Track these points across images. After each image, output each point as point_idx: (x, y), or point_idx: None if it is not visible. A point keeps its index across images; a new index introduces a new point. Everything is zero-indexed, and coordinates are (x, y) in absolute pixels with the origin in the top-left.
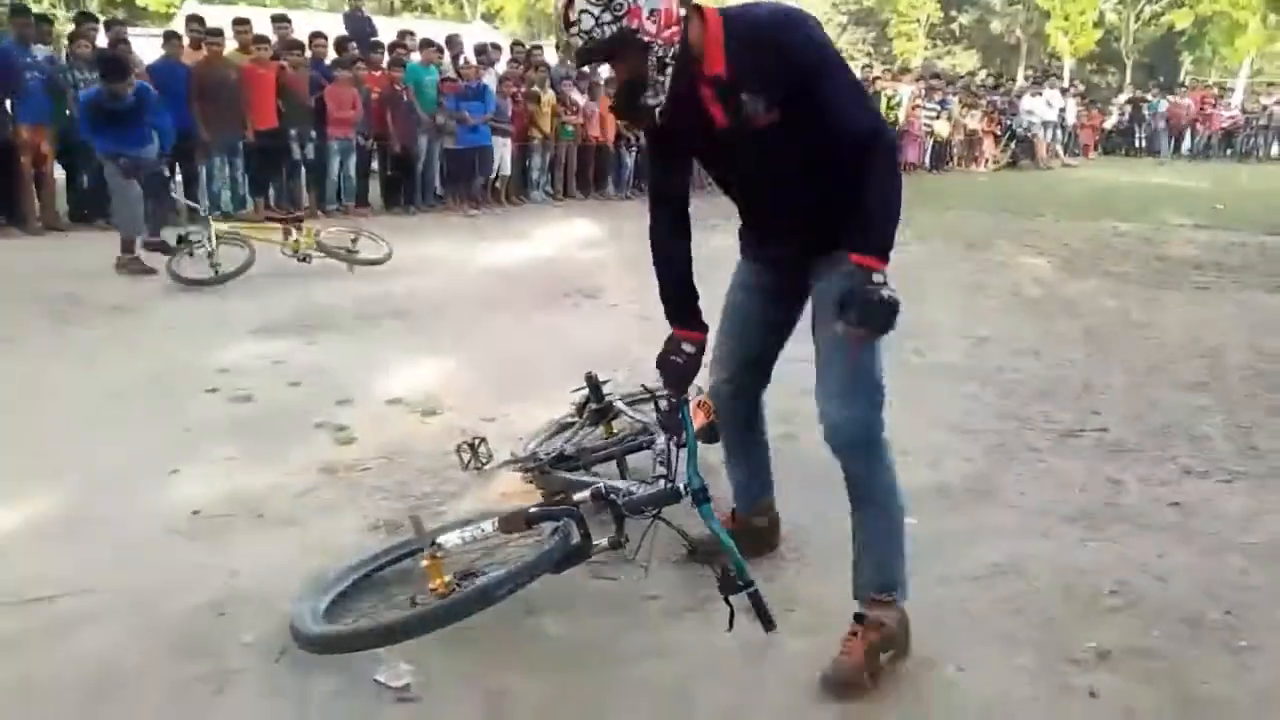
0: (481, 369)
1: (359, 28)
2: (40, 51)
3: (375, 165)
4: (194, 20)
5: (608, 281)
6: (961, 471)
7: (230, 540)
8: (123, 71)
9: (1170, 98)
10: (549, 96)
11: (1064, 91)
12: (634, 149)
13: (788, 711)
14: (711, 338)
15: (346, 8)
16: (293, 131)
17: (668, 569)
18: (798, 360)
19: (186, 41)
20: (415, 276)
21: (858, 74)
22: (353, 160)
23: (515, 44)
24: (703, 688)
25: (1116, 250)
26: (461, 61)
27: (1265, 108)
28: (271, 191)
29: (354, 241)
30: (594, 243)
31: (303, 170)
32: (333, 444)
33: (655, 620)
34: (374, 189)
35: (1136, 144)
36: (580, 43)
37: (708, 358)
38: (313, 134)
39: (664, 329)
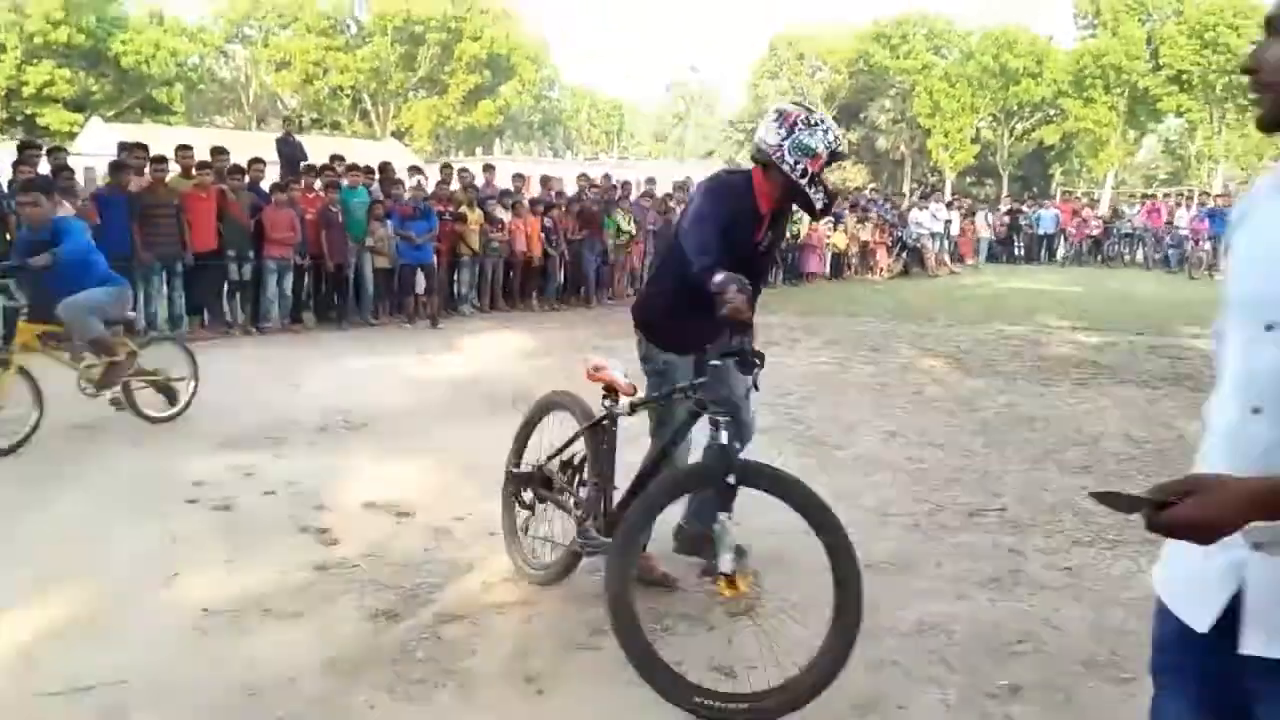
0: (445, 472)
1: (291, 152)
2: None
3: (308, 283)
4: (137, 147)
5: (548, 390)
6: (885, 549)
7: (243, 633)
8: (31, 189)
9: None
10: (476, 215)
11: (949, 205)
12: (561, 264)
13: None
14: None
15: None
16: (231, 252)
17: None
18: None
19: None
20: (364, 389)
21: None
22: (289, 279)
23: (444, 165)
24: None
25: (1005, 351)
26: (413, 183)
27: (1125, 217)
28: (205, 312)
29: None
30: (529, 354)
31: (238, 290)
32: (318, 545)
33: None
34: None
35: (1015, 252)
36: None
37: None
38: (250, 254)
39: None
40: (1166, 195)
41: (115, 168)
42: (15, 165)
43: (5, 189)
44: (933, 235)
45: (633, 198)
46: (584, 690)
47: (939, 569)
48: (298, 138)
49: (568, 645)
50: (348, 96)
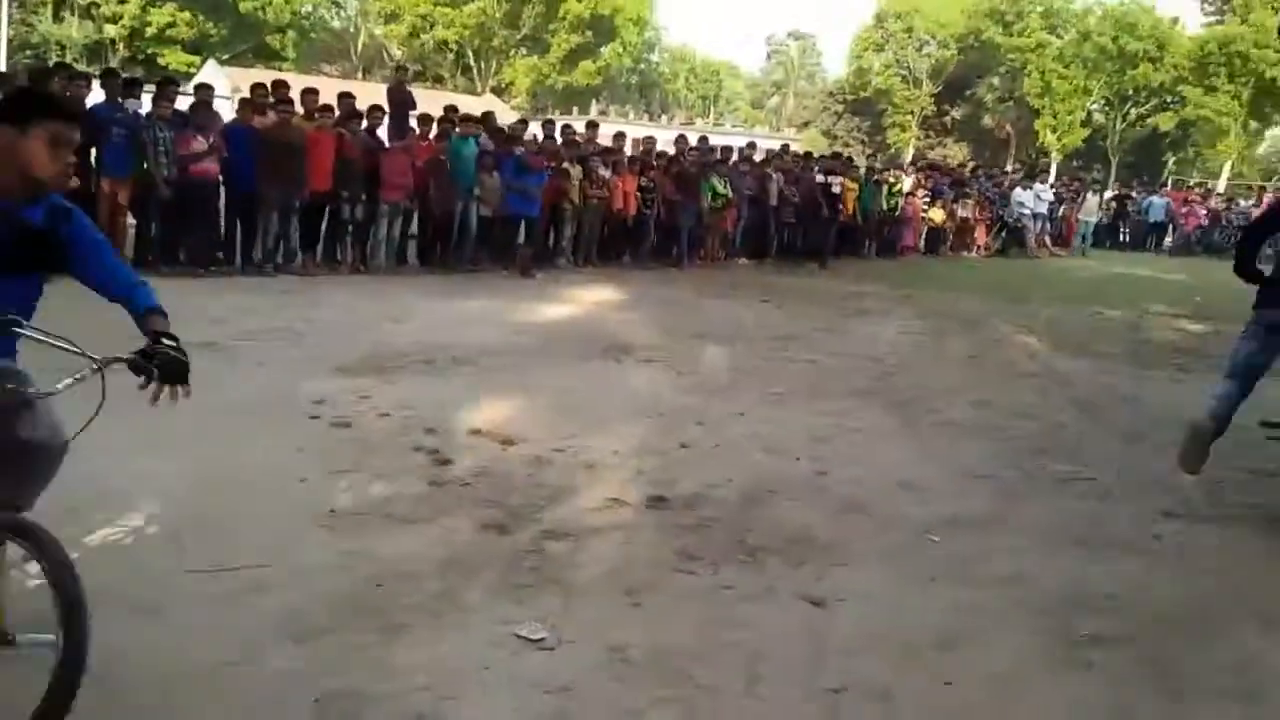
0: (543, 408)
1: (402, 101)
2: (131, 106)
3: (415, 229)
4: (264, 87)
5: (638, 341)
6: (972, 507)
7: (368, 533)
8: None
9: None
10: (577, 171)
11: (1054, 187)
12: (655, 224)
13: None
14: None
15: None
16: (344, 194)
17: None
18: None
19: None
20: (467, 329)
21: (859, 162)
22: (399, 222)
23: (547, 122)
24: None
25: (1104, 334)
26: (529, 137)
27: (1241, 208)
28: (318, 248)
29: None
30: (621, 307)
31: (349, 230)
32: (432, 464)
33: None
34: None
35: (1121, 239)
36: None
37: None
38: (363, 197)
39: (695, 385)
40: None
41: (245, 104)
42: (155, 100)
43: (145, 120)
44: (1035, 216)
45: (730, 163)
46: (677, 606)
47: (1028, 529)
48: (409, 88)
49: (662, 567)
50: (452, 51)
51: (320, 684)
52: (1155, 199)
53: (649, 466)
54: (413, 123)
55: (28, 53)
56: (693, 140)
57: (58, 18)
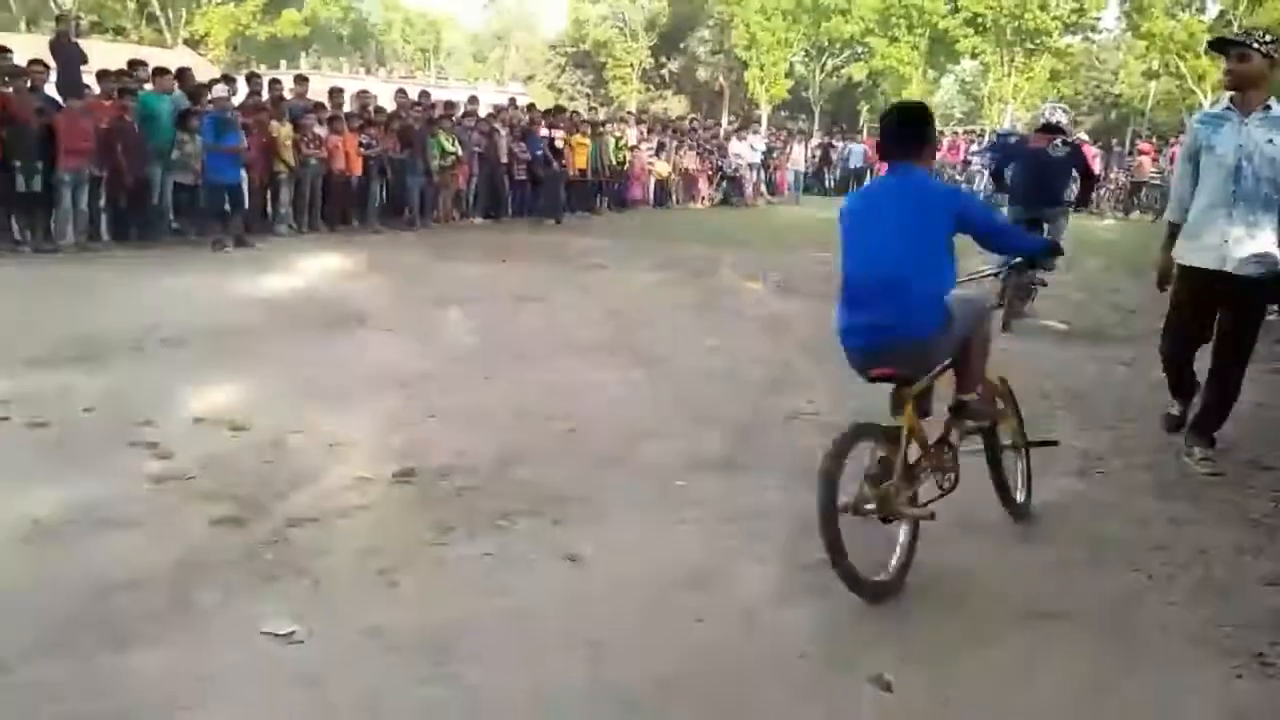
0: (278, 387)
1: (69, 56)
2: None
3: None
4: None
5: (373, 310)
6: (714, 450)
7: (81, 543)
8: None
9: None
10: (286, 129)
11: (765, 138)
12: (380, 184)
13: None
14: None
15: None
16: (17, 162)
17: None
18: None
19: None
20: (177, 308)
21: (580, 115)
22: (84, 193)
23: (251, 75)
24: None
25: (817, 278)
26: (221, 93)
27: None
28: None
29: None
30: (352, 275)
31: (26, 203)
32: (151, 458)
33: None
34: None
35: (826, 185)
36: None
37: None
38: (38, 165)
39: (437, 352)
40: (966, 133)
41: None
42: None
43: None
44: (750, 166)
45: (455, 119)
46: (435, 581)
47: (767, 466)
48: (76, 41)
49: (417, 542)
50: None
51: (42, 713)
52: (854, 146)
53: (396, 442)
54: (88, 80)
55: None
56: (413, 95)
57: None
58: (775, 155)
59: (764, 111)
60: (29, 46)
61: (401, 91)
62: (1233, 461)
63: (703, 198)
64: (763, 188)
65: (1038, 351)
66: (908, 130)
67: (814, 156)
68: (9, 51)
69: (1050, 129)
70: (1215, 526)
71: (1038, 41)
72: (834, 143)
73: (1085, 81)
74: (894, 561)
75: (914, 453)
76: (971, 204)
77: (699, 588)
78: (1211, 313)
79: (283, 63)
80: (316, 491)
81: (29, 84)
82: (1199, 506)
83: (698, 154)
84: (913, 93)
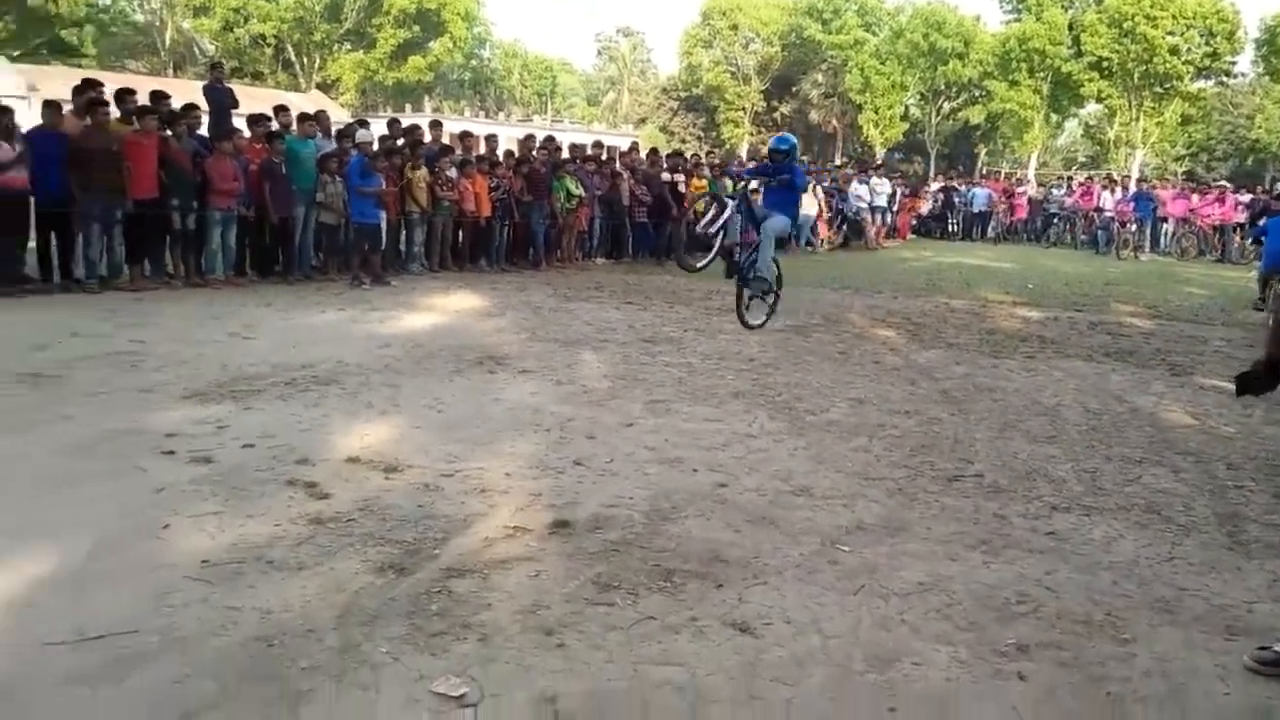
0: (426, 428)
1: (220, 99)
2: None
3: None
4: (87, 85)
5: (510, 350)
6: (873, 511)
7: (248, 585)
8: None
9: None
10: (422, 172)
11: (890, 179)
12: (506, 225)
13: None
14: None
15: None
16: (174, 201)
17: None
18: None
19: (68, 109)
20: (323, 344)
21: (700, 158)
22: (233, 230)
23: (392, 121)
24: None
25: (952, 324)
26: (363, 138)
27: (1054, 198)
28: (147, 262)
29: None
30: (485, 314)
31: (181, 241)
32: (309, 498)
33: None
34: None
35: (950, 229)
36: None
37: None
38: (193, 204)
39: (575, 395)
40: (1091, 178)
41: (46, 105)
42: None
43: None
44: (874, 209)
45: (580, 162)
46: (602, 644)
47: (929, 530)
48: (228, 85)
49: (579, 600)
50: (270, 46)
51: None
52: (978, 190)
53: (545, 488)
54: (237, 122)
55: None
56: (537, 138)
57: None
58: (899, 198)
59: (878, 154)
60: (179, 90)
61: (529, 136)
62: None
63: (822, 241)
64: (883, 231)
65: None
66: None
67: (936, 200)
68: (167, 97)
69: None
70: None
71: (1167, 86)
72: (957, 186)
73: (1219, 126)
74: None
75: None
76: None
77: (884, 670)
78: None
79: (408, 106)
80: (473, 540)
81: (186, 127)
82: None
83: (820, 197)
84: (1035, 137)
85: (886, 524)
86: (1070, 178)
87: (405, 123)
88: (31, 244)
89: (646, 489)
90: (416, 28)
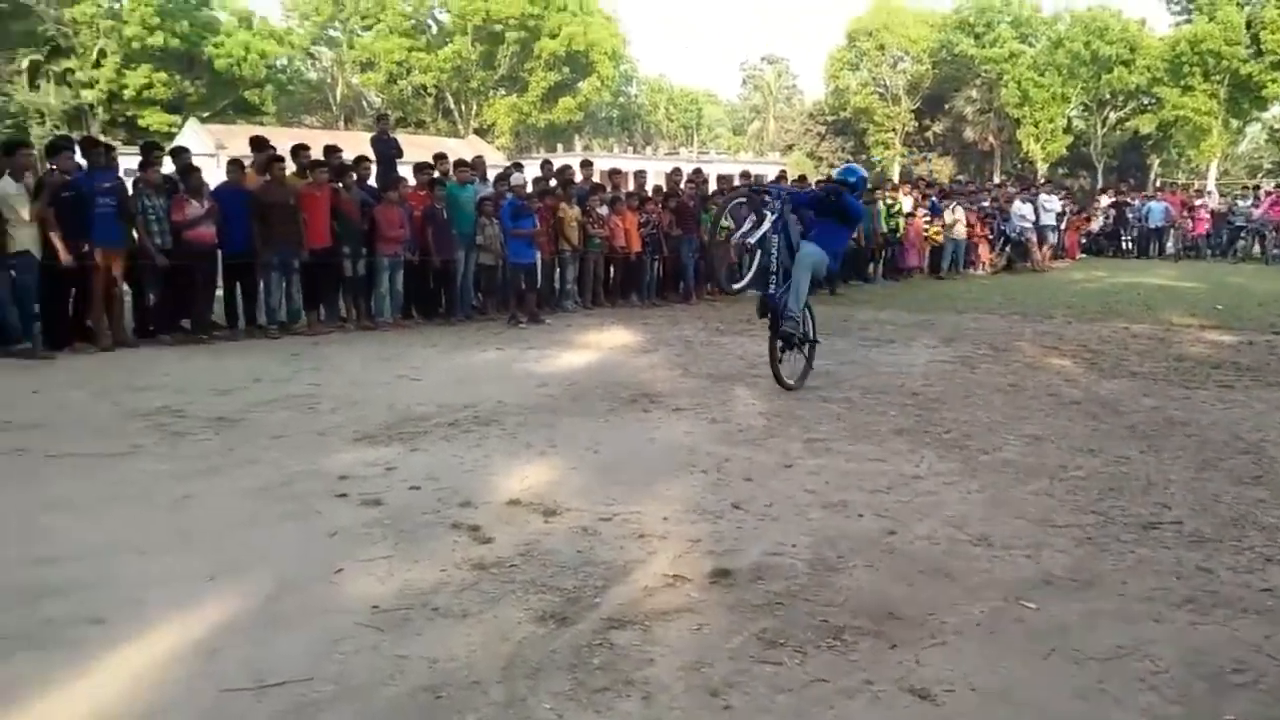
0: (582, 469)
1: (386, 150)
2: (111, 178)
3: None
4: (258, 143)
5: (663, 387)
6: (1061, 563)
7: (415, 632)
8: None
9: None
10: (574, 211)
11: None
12: (656, 260)
13: None
14: None
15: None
16: (345, 249)
17: None
18: None
19: (249, 163)
20: (484, 384)
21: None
22: (400, 275)
23: (545, 163)
24: None
25: (1135, 351)
26: (518, 180)
27: (1239, 210)
28: (322, 308)
29: None
30: (638, 350)
31: (353, 286)
32: (473, 543)
33: None
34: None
35: (1124, 246)
36: None
37: None
38: (363, 250)
39: (730, 434)
40: None
41: (231, 164)
42: (142, 166)
43: (134, 188)
44: (1043, 228)
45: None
46: (770, 707)
47: (1125, 585)
48: (394, 136)
49: (744, 657)
50: (430, 95)
51: None
52: (1154, 204)
53: (703, 533)
54: (401, 170)
55: (7, 121)
56: (685, 171)
57: (34, 86)
58: (1068, 216)
59: (1040, 169)
60: (349, 142)
61: (676, 170)
62: None
63: (983, 263)
64: (1047, 251)
65: None
66: None
67: (1107, 217)
68: (339, 151)
69: None
70: None
71: None
72: (1130, 200)
73: None
74: None
75: None
76: None
77: None
78: None
79: (559, 146)
80: (632, 589)
81: (355, 178)
82: None
83: (977, 217)
84: (1213, 144)
85: (1076, 577)
86: (1257, 186)
87: (557, 163)
88: (219, 292)
89: (809, 535)
90: (566, 69)
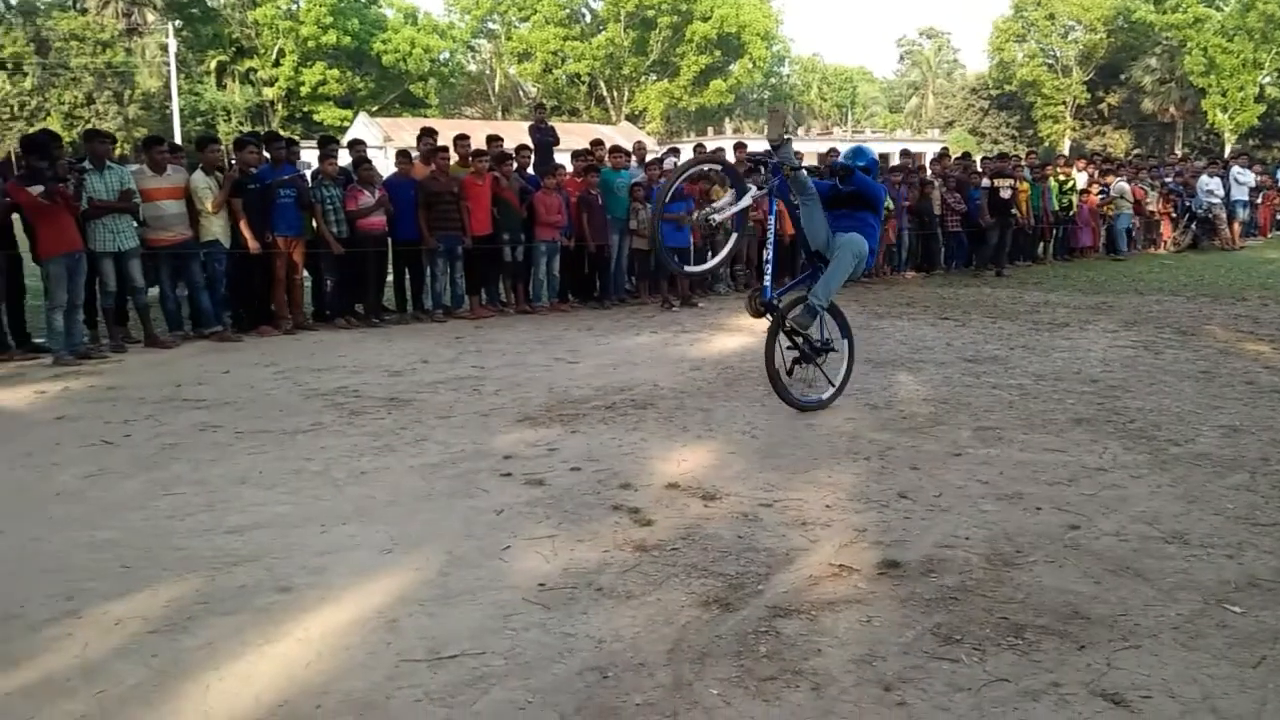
0: (740, 454)
1: (544, 138)
2: (301, 167)
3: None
4: (426, 134)
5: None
6: (1267, 565)
7: (581, 610)
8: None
9: None
10: (730, 195)
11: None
12: None
13: None
14: None
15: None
16: (505, 236)
17: None
18: None
19: (416, 155)
20: (639, 367)
21: (1020, 159)
22: (557, 260)
23: (697, 146)
24: None
25: None
26: (670, 165)
27: None
28: (483, 292)
29: None
30: None
31: (512, 271)
32: (634, 525)
33: None
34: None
35: None
36: None
37: None
38: (522, 237)
39: (893, 420)
40: None
41: (399, 156)
42: (321, 159)
43: (312, 180)
44: (1236, 203)
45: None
46: (949, 706)
47: None
48: (550, 124)
49: (917, 652)
50: (584, 83)
51: None
52: None
53: (869, 523)
54: (558, 157)
55: (198, 119)
56: (839, 151)
57: (221, 85)
58: (1263, 191)
59: (1228, 142)
60: (508, 131)
61: (832, 150)
62: None
63: (1166, 242)
64: (1238, 228)
65: None
66: None
67: None
68: (500, 140)
69: None
70: None
71: None
72: None
73: None
74: None
75: None
76: None
77: None
78: None
79: (709, 129)
80: (796, 577)
81: (515, 166)
82: None
83: (1160, 194)
84: None
85: None
86: None
87: (709, 146)
88: (389, 278)
89: (983, 528)
90: (718, 52)
